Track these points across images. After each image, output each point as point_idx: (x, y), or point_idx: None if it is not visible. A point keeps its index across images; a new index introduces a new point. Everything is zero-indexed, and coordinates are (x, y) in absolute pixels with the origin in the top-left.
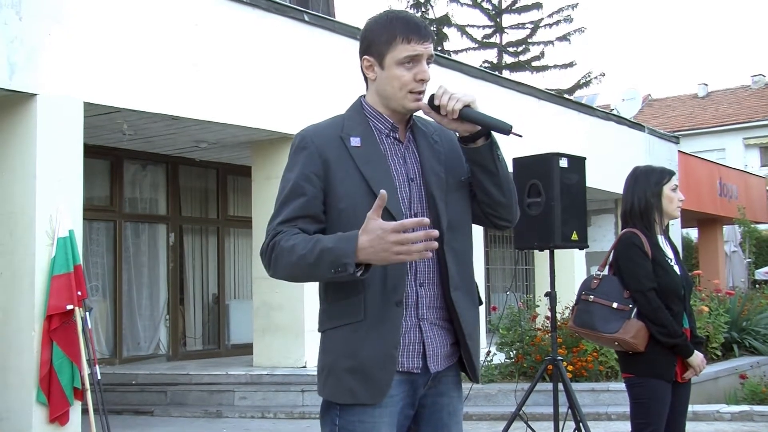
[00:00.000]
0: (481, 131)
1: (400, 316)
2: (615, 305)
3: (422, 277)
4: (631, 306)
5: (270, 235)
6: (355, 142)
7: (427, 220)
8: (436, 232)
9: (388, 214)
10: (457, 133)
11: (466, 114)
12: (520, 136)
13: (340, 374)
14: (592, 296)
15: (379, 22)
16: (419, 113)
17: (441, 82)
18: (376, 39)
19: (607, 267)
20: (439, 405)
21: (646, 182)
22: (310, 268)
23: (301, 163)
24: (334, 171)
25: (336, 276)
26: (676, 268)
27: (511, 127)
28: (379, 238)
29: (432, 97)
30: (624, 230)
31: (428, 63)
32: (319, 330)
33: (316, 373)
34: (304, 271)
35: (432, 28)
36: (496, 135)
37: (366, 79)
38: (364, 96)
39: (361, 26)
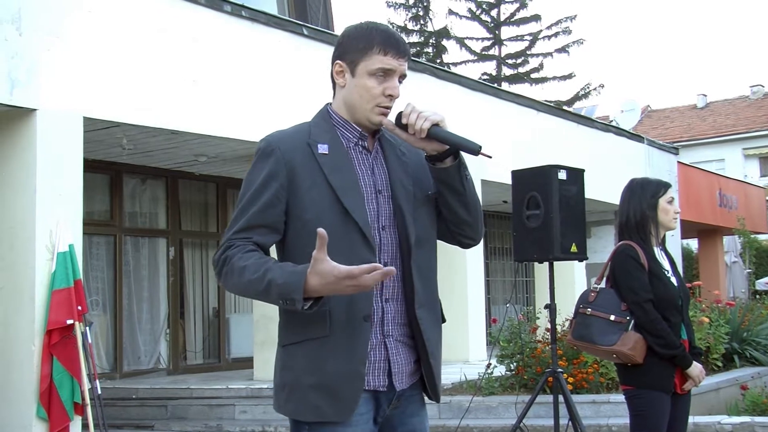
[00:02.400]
0: (449, 150)
1: (368, 332)
2: (612, 318)
3: (388, 292)
4: (628, 318)
5: (223, 247)
6: (322, 149)
7: (379, 265)
8: (393, 270)
9: (356, 227)
10: (424, 152)
11: (435, 133)
12: (490, 157)
13: (304, 391)
14: (589, 309)
15: (358, 30)
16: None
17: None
18: (353, 45)
19: (604, 280)
20: (410, 426)
21: (642, 194)
22: (259, 295)
23: (266, 170)
24: (301, 179)
25: (286, 306)
26: (673, 280)
27: (480, 147)
28: (333, 283)
29: (399, 115)
30: (620, 243)
31: (400, 81)
32: (279, 344)
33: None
34: (253, 295)
35: (431, 41)
36: (466, 155)
37: (334, 85)
38: (330, 104)
39: None
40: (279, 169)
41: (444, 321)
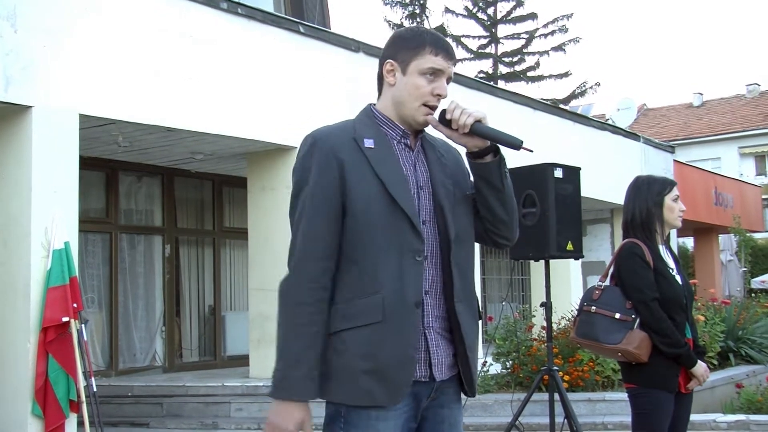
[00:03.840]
0: (489, 147)
1: (419, 318)
2: (617, 316)
3: (427, 285)
4: (633, 316)
5: (307, 271)
6: (368, 143)
7: None
8: None
9: (404, 216)
10: (465, 148)
11: (478, 129)
12: (531, 151)
13: (356, 376)
14: (594, 307)
15: (410, 31)
16: (428, 129)
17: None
18: (405, 45)
19: (608, 278)
20: (440, 417)
21: (648, 192)
22: (278, 341)
23: (318, 168)
24: (349, 173)
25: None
26: (678, 278)
27: (522, 142)
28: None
29: (443, 112)
30: (625, 240)
31: (447, 84)
32: (329, 331)
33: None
34: (278, 336)
35: None
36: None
37: (381, 85)
38: (374, 104)
39: (357, 38)
40: (329, 165)
41: (481, 318)
